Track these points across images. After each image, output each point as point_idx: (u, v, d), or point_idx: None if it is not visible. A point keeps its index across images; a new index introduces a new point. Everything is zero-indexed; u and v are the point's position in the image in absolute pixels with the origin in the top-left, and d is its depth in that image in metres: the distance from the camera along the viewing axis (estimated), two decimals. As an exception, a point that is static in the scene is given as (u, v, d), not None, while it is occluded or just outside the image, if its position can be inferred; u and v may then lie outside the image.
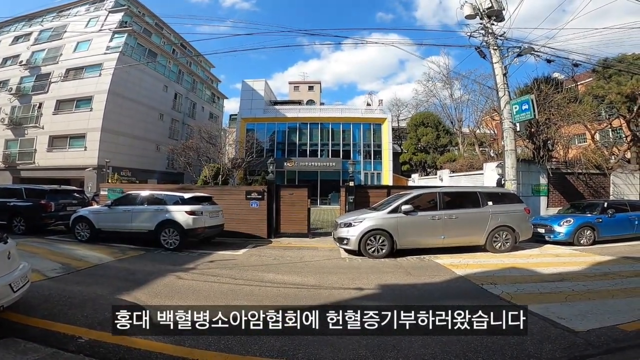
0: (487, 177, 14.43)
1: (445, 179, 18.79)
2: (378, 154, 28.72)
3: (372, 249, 7.95)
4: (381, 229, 7.98)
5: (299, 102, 33.38)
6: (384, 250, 7.94)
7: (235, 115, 32.02)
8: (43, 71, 27.62)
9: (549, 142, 13.24)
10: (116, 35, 28.03)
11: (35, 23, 30.97)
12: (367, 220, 8.10)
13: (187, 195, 8.85)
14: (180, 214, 8.39)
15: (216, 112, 42.50)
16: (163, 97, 32.03)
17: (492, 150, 19.16)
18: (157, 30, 33.16)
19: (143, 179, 22.41)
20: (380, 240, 7.97)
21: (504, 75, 12.06)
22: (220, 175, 19.28)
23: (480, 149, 19.57)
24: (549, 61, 12.63)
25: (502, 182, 11.81)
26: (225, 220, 9.97)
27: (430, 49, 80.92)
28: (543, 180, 13.24)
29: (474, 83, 22.56)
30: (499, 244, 8.54)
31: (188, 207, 8.49)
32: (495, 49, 11.89)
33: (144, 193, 9.20)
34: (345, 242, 8.12)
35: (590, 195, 13.94)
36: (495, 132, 20.98)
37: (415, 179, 24.82)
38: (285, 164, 26.79)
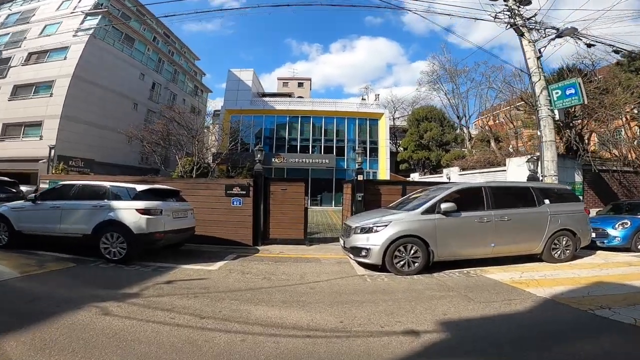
0: (512, 174, 12.51)
1: (454, 178, 16.83)
2: (374, 151, 26.66)
3: (402, 263, 5.78)
4: (414, 235, 5.81)
5: (289, 95, 31.03)
6: (416, 264, 5.79)
7: (219, 111, 29.37)
8: (4, 55, 24.69)
9: (584, 135, 11.40)
10: (89, 18, 25.35)
11: (3, 7, 27.81)
12: (395, 223, 5.88)
13: (140, 188, 6.37)
14: (128, 212, 5.93)
15: (199, 105, 39.63)
16: (139, 86, 29.11)
17: (510, 146, 17.38)
18: (138, 16, 30.29)
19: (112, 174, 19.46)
20: (413, 251, 5.79)
21: (538, 58, 10.36)
22: (197, 170, 16.62)
23: (499, 144, 17.74)
24: (589, 45, 10.93)
25: (541, 179, 9.90)
26: (198, 222, 7.57)
27: (419, 53, 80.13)
28: (578, 178, 11.40)
29: (482, 75, 20.94)
30: (559, 252, 6.74)
31: (141, 204, 6.04)
32: (528, 30, 10.17)
33: (80, 183, 6.66)
34: (363, 253, 5.87)
35: (623, 195, 12.42)
36: (490, 129, 19.25)
37: (416, 179, 22.86)
38: (273, 159, 24.35)
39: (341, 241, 6.84)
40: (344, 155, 26.35)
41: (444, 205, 6.04)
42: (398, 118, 35.22)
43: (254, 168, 8.84)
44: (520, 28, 10.26)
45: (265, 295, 4.55)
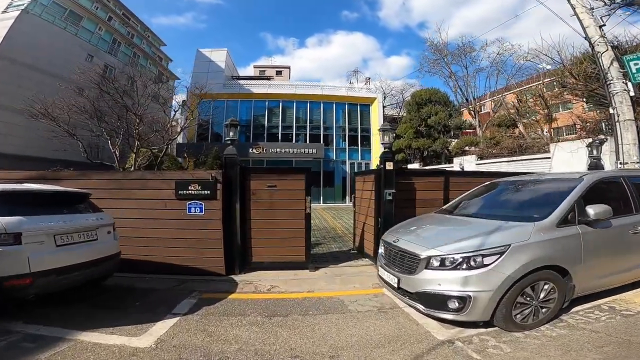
0: (559, 162, 9.86)
1: (469, 168, 14.15)
2: (366, 140, 23.71)
3: (526, 313, 2.94)
4: (551, 265, 2.86)
5: (268, 78, 27.47)
6: (547, 311, 2.95)
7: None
8: None
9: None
10: (22, -9, 21.09)
11: None
12: (520, 249, 2.90)
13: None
14: None
15: (164, 94, 35.18)
16: (86, 69, 24.72)
17: (540, 130, 14.89)
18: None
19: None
20: (545, 292, 2.84)
21: (600, 27, 8.31)
22: (155, 165, 12.99)
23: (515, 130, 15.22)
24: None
25: (618, 166, 7.32)
26: (137, 242, 4.37)
27: (395, 48, 78.35)
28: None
29: (496, 55, 18.38)
30: None
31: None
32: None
33: None
34: (454, 305, 2.95)
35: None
36: (517, 110, 16.78)
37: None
38: (250, 150, 20.86)
39: (383, 273, 3.83)
40: (332, 145, 23.24)
41: (593, 210, 3.13)
42: (387, 107, 32.48)
43: (222, 155, 5.53)
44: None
45: None
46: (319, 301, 4.17)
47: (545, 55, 13.28)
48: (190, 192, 5.17)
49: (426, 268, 3.10)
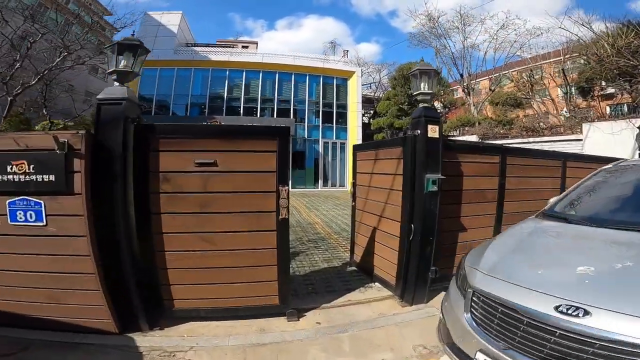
0: (593, 144, 7.95)
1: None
2: (342, 117, 21.03)
3: None
4: None
5: (232, 46, 23.69)
6: None
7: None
8: None
9: None
10: None
11: None
12: None
13: None
14: None
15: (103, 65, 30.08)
16: None
17: (565, 109, 13.06)
18: None
19: None
20: None
21: None
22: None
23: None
24: None
25: None
26: None
27: (365, 34, 76.22)
28: None
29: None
30: None
31: None
32: None
33: None
34: None
35: None
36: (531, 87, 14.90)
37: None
38: (206, 124, 17.48)
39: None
40: (304, 122, 20.36)
41: None
42: (365, 85, 29.96)
43: (98, 100, 2.59)
44: None
45: None
46: None
47: (562, 28, 11.32)
48: (10, 177, 2.25)
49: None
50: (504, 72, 18.90)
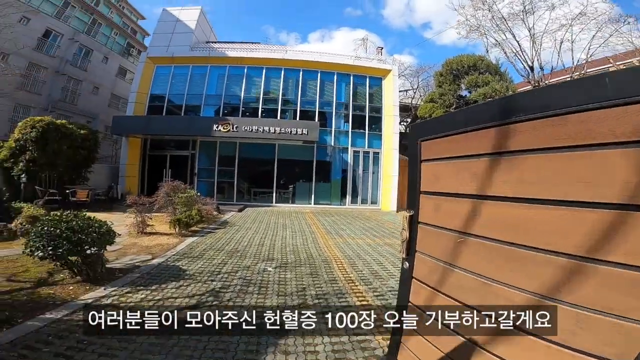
0: None
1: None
2: (375, 122, 17.90)
3: None
4: None
5: (252, 43, 21.62)
6: None
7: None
8: None
9: None
10: None
11: None
12: None
13: None
14: None
15: (132, 67, 29.53)
16: (19, 32, 19.30)
17: None
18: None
19: None
20: None
21: None
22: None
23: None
24: None
25: None
26: None
27: (397, 47, 73.98)
28: None
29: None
30: None
31: None
32: None
33: None
34: None
35: None
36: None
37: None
38: (215, 127, 14.94)
39: None
40: (331, 127, 17.47)
41: None
42: (403, 91, 26.89)
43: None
44: None
45: None
46: None
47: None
48: None
49: None
50: (586, 71, 15.03)
